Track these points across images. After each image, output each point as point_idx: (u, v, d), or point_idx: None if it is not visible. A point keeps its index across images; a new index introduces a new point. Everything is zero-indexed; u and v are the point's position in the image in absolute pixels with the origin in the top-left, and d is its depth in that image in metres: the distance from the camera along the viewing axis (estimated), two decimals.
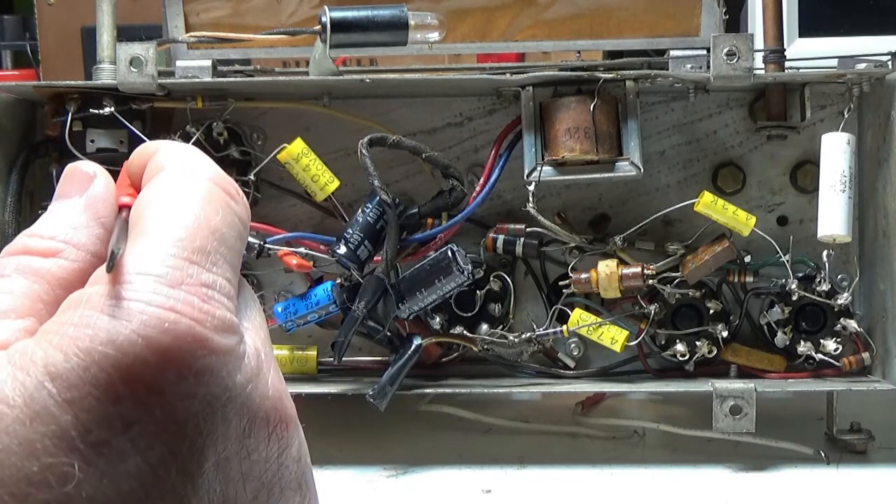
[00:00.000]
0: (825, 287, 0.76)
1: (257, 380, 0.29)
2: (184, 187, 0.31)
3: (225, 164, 0.79)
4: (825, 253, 0.75)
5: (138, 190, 0.32)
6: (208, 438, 0.28)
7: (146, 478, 0.27)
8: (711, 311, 0.78)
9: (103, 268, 0.29)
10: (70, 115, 0.75)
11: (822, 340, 0.77)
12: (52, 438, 0.26)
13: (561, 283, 0.77)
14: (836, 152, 0.74)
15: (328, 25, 0.74)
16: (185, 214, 0.30)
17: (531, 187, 0.74)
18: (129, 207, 0.32)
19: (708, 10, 0.82)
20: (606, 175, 0.74)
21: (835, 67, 0.84)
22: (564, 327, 0.76)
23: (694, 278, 0.75)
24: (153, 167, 0.32)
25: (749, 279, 0.77)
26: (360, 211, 0.73)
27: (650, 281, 0.75)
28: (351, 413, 0.83)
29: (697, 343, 0.78)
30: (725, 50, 0.72)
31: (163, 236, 0.29)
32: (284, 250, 0.73)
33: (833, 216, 0.73)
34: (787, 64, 0.79)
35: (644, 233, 0.77)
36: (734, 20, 1.06)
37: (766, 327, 0.79)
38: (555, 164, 0.74)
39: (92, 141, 0.76)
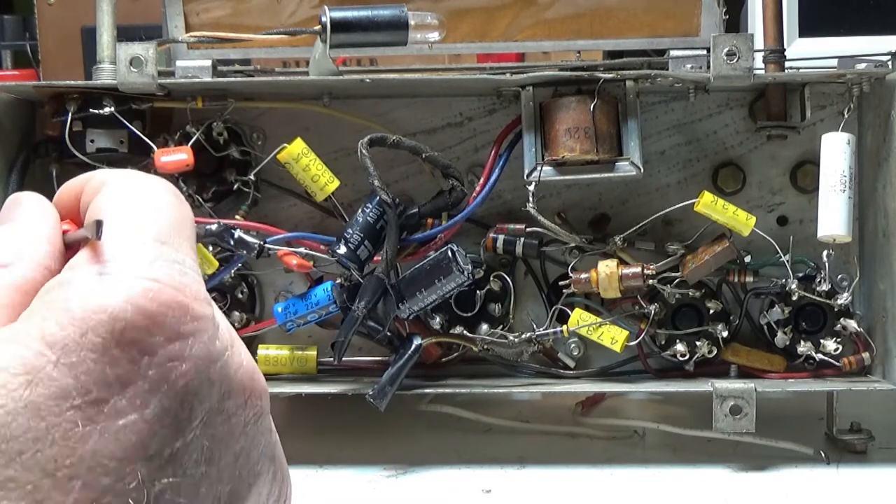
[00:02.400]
0: (825, 287, 0.76)
1: (232, 349, 0.32)
2: (134, 188, 0.34)
3: (225, 164, 0.79)
4: (825, 253, 0.75)
5: (73, 220, 0.35)
6: (196, 398, 0.30)
7: (143, 432, 0.29)
8: (711, 311, 0.78)
9: (79, 255, 0.31)
10: (70, 115, 0.75)
11: (822, 340, 0.77)
12: (55, 399, 0.28)
13: (561, 283, 0.77)
14: (836, 152, 0.74)
15: (328, 25, 0.74)
16: (144, 207, 0.33)
17: (531, 187, 0.74)
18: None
19: (708, 10, 0.82)
20: (606, 175, 0.74)
21: (835, 67, 0.84)
22: (564, 327, 0.76)
23: (694, 278, 0.75)
24: (94, 186, 0.35)
25: (749, 279, 0.77)
26: (360, 211, 0.73)
27: (650, 281, 0.75)
28: (351, 413, 0.83)
29: (697, 343, 0.78)
30: (725, 50, 0.72)
31: (129, 225, 0.32)
32: (284, 250, 0.73)
33: (833, 216, 0.73)
34: (787, 64, 0.79)
35: (644, 233, 0.77)
36: (734, 20, 1.06)
37: (766, 327, 0.79)
38: (555, 164, 0.74)
39: (92, 141, 0.76)
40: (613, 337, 0.75)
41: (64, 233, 0.34)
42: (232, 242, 0.71)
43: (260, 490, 0.33)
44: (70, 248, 0.33)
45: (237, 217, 0.77)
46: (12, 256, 0.33)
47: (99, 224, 0.31)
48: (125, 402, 0.29)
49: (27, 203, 0.35)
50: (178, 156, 0.74)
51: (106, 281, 0.30)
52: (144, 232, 0.32)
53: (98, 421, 0.29)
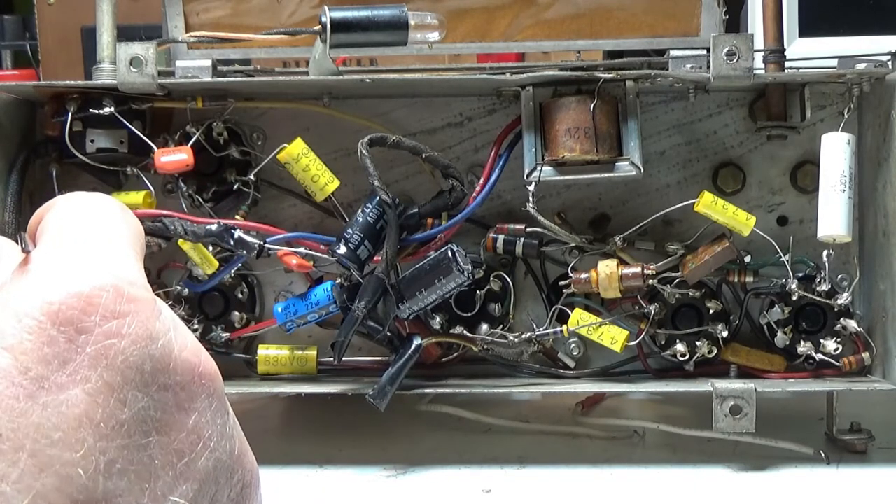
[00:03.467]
0: (825, 287, 0.76)
1: (175, 332, 0.34)
2: (79, 203, 0.37)
3: (225, 164, 0.79)
4: (825, 253, 0.75)
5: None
6: (137, 372, 0.33)
7: (86, 405, 0.31)
8: (711, 311, 0.78)
9: (15, 264, 0.34)
10: (70, 115, 0.75)
11: (822, 340, 0.77)
12: None
13: (561, 283, 0.77)
14: (836, 152, 0.74)
15: (328, 25, 0.74)
16: (84, 217, 0.36)
17: (531, 187, 0.74)
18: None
19: (708, 10, 0.82)
20: (606, 175, 0.74)
21: (835, 67, 0.84)
22: (564, 327, 0.76)
23: (694, 278, 0.75)
24: (47, 206, 0.38)
25: (749, 279, 0.77)
26: (360, 211, 0.73)
27: (650, 281, 0.75)
28: (351, 413, 0.83)
29: (697, 343, 0.78)
30: (725, 50, 0.72)
31: (70, 231, 0.35)
32: (284, 250, 0.73)
33: (833, 216, 0.73)
34: (787, 64, 0.79)
35: (644, 233, 0.77)
36: (734, 20, 1.06)
37: (766, 327, 0.79)
38: (555, 164, 0.74)
39: (92, 141, 0.76)
40: (613, 337, 0.75)
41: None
42: (232, 242, 0.71)
43: (219, 468, 0.35)
44: None
45: (237, 217, 0.77)
46: None
47: (21, 237, 0.35)
48: (65, 378, 0.31)
49: None
50: (178, 156, 0.74)
51: (39, 274, 0.33)
52: (85, 234, 0.35)
53: (39, 396, 0.31)
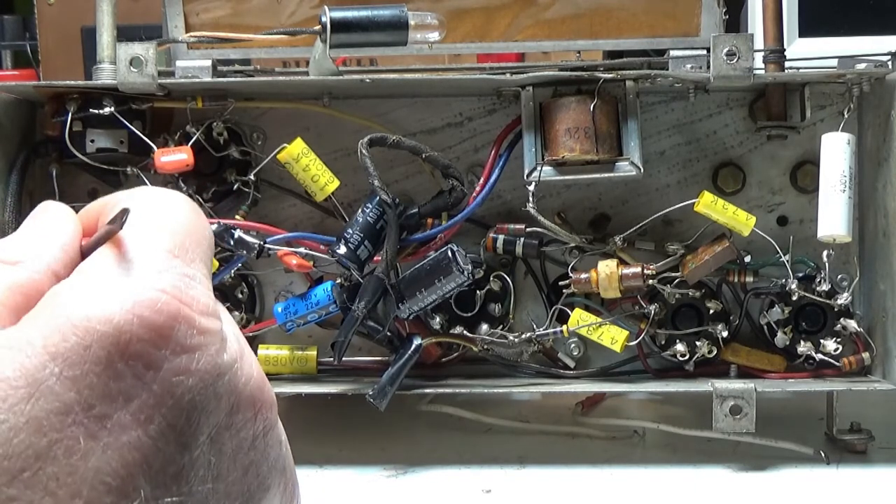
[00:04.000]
0: (825, 287, 0.76)
1: (241, 361, 0.31)
2: (153, 201, 0.33)
3: (225, 164, 0.79)
4: (825, 253, 0.75)
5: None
6: (202, 413, 0.30)
7: (147, 449, 0.28)
8: (711, 311, 0.78)
9: (89, 259, 0.31)
10: (70, 115, 0.75)
11: (822, 340, 0.77)
12: (57, 415, 0.27)
13: (561, 283, 0.77)
14: (836, 152, 0.74)
15: (328, 25, 0.74)
16: (160, 219, 0.32)
17: (531, 187, 0.74)
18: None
19: (708, 10, 0.82)
20: (606, 175, 0.74)
21: (835, 67, 0.84)
22: (564, 327, 0.76)
23: (694, 278, 0.75)
24: (115, 202, 0.34)
25: (749, 279, 0.77)
26: (360, 211, 0.73)
27: (650, 281, 0.75)
28: (351, 413, 0.83)
29: (697, 343, 0.78)
30: (725, 50, 0.72)
31: (143, 234, 0.31)
32: (284, 250, 0.73)
33: (833, 216, 0.73)
34: (787, 64, 0.79)
35: (644, 233, 0.77)
36: (734, 20, 1.06)
37: (766, 327, 0.79)
38: (555, 164, 0.74)
39: (92, 141, 0.76)
40: (613, 337, 0.75)
41: (82, 243, 0.33)
42: (232, 242, 0.71)
43: (270, 502, 0.33)
44: (85, 259, 0.32)
45: (237, 217, 0.77)
46: (21, 255, 0.31)
47: (124, 212, 0.30)
48: (129, 418, 0.28)
49: (52, 210, 0.34)
50: (178, 156, 0.74)
51: (113, 289, 0.29)
52: (157, 243, 0.31)
53: (101, 437, 0.28)
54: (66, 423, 0.27)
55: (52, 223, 0.33)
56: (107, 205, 0.34)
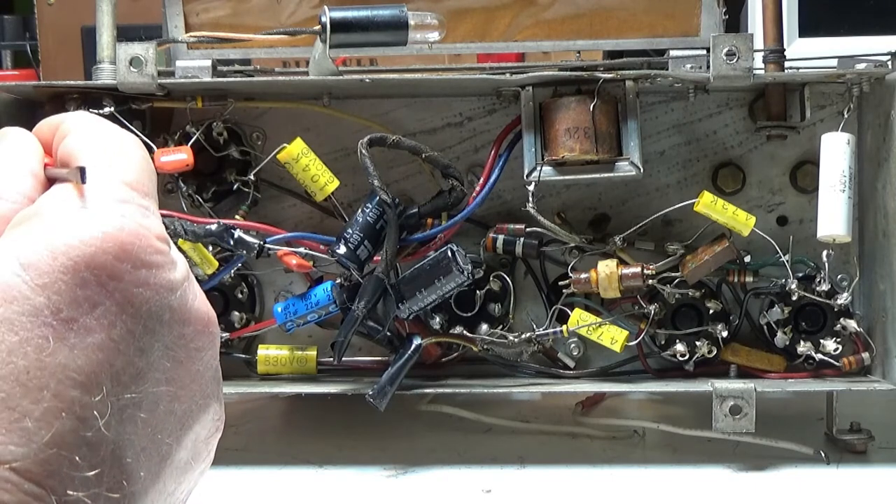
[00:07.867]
0: (825, 287, 0.76)
1: (190, 282, 0.35)
2: (106, 134, 0.37)
3: (225, 164, 0.79)
4: (825, 253, 0.75)
5: (48, 153, 0.37)
6: (158, 322, 0.34)
7: (110, 351, 0.32)
8: (711, 311, 0.78)
9: (57, 187, 0.34)
10: None
11: (822, 340, 0.77)
12: (28, 316, 0.31)
13: (561, 283, 0.77)
14: (835, 152, 0.74)
15: (328, 25, 0.74)
16: (116, 153, 0.36)
17: (531, 187, 0.74)
18: (50, 166, 0.37)
19: (708, 10, 0.82)
20: (606, 175, 0.74)
21: (835, 67, 0.84)
22: (564, 327, 0.76)
23: (694, 278, 0.75)
24: (68, 126, 0.37)
25: (749, 279, 0.77)
26: (360, 211, 0.73)
27: (650, 281, 0.75)
28: (351, 413, 0.83)
29: (697, 343, 0.78)
30: (725, 50, 0.72)
31: (103, 167, 0.35)
32: (284, 250, 0.73)
33: (833, 216, 0.73)
34: (787, 64, 0.79)
35: (644, 233, 0.77)
36: (734, 20, 1.06)
37: (765, 327, 0.79)
38: (555, 164, 0.74)
39: None
40: (613, 337, 0.75)
41: (46, 167, 0.36)
42: (232, 242, 0.71)
43: (208, 411, 0.36)
44: (50, 182, 0.36)
45: (237, 217, 0.77)
46: (1, 189, 0.35)
47: (83, 170, 0.34)
48: (94, 322, 0.32)
49: (13, 137, 0.37)
50: (177, 156, 0.74)
51: (80, 213, 0.33)
52: (116, 175, 0.35)
53: (68, 338, 0.31)
54: (35, 323, 0.31)
55: (17, 152, 0.37)
56: (64, 121, 0.37)
